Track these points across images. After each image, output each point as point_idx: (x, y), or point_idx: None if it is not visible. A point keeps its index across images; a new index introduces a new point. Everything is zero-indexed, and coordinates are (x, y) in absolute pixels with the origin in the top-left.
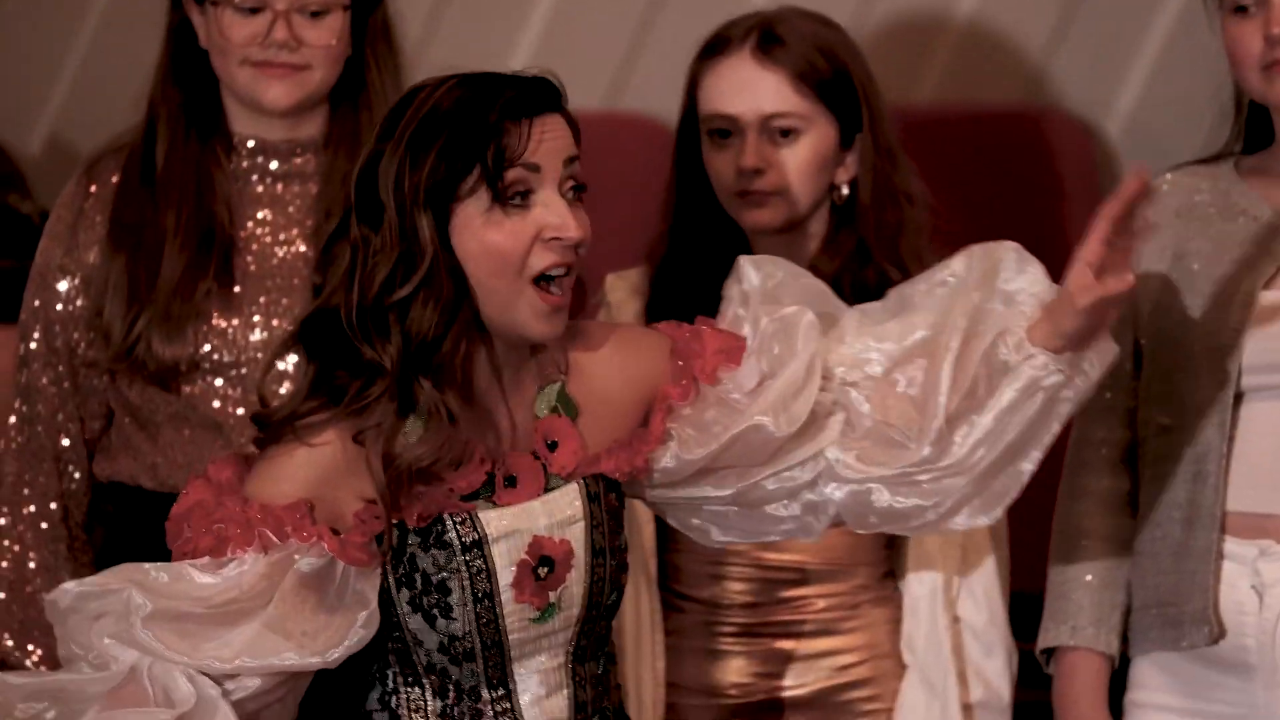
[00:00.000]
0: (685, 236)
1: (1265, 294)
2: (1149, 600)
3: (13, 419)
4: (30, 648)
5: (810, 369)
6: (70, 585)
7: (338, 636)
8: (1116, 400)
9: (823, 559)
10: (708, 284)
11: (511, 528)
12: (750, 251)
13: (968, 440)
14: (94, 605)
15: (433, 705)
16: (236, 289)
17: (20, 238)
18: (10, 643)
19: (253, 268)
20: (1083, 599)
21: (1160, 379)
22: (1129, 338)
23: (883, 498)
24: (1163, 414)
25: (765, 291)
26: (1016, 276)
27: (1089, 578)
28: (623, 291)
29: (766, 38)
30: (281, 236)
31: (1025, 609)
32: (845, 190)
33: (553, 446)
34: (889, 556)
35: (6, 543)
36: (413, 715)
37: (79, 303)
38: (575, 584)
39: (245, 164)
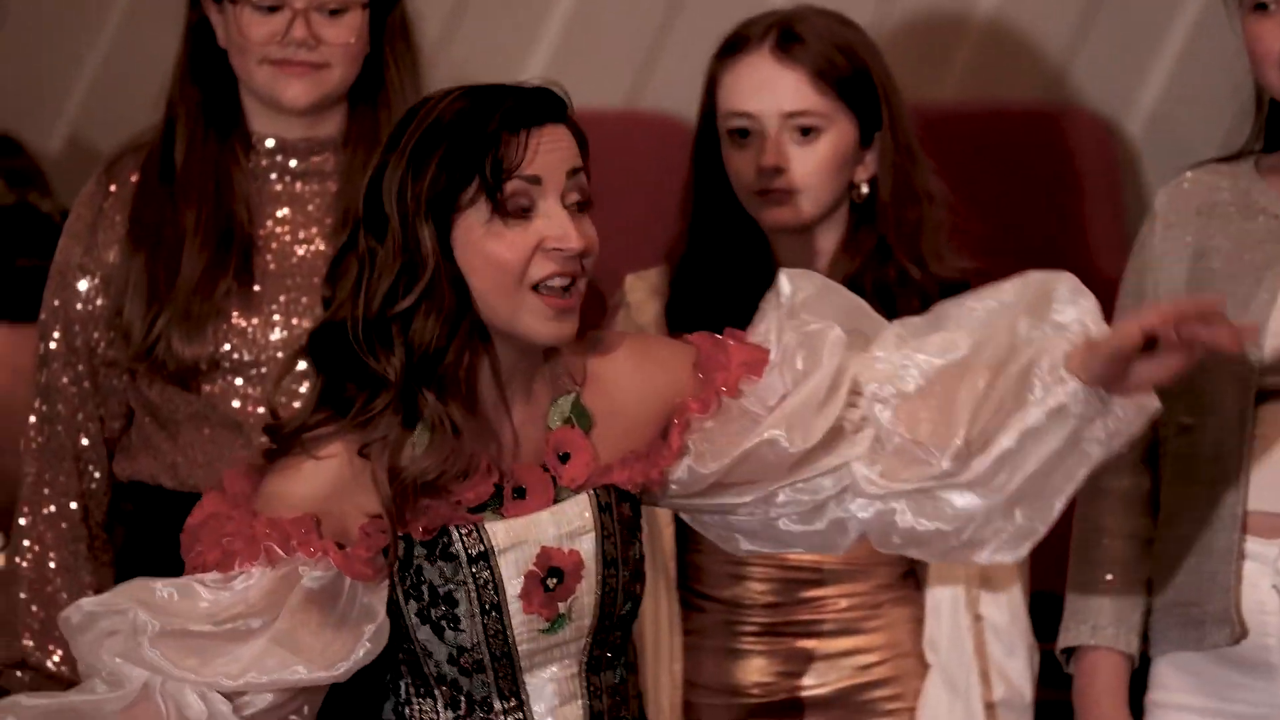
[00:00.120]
0: (705, 236)
1: None
2: (1170, 600)
3: (32, 418)
4: (51, 648)
5: (835, 384)
6: (81, 603)
7: (345, 650)
8: None
9: (844, 559)
10: (728, 283)
11: (518, 539)
12: (769, 250)
13: (988, 458)
14: (103, 624)
15: (445, 716)
16: (256, 288)
17: (41, 236)
18: (30, 643)
19: (272, 266)
20: (1103, 598)
21: (1181, 378)
22: None
23: (905, 519)
24: (1183, 413)
25: (799, 305)
26: (1068, 307)
27: (1109, 577)
28: (642, 292)
29: (786, 36)
30: (301, 235)
31: (1046, 608)
32: (865, 189)
33: (564, 458)
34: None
35: (26, 542)
36: None
37: (99, 302)
38: (586, 594)
39: (264, 163)
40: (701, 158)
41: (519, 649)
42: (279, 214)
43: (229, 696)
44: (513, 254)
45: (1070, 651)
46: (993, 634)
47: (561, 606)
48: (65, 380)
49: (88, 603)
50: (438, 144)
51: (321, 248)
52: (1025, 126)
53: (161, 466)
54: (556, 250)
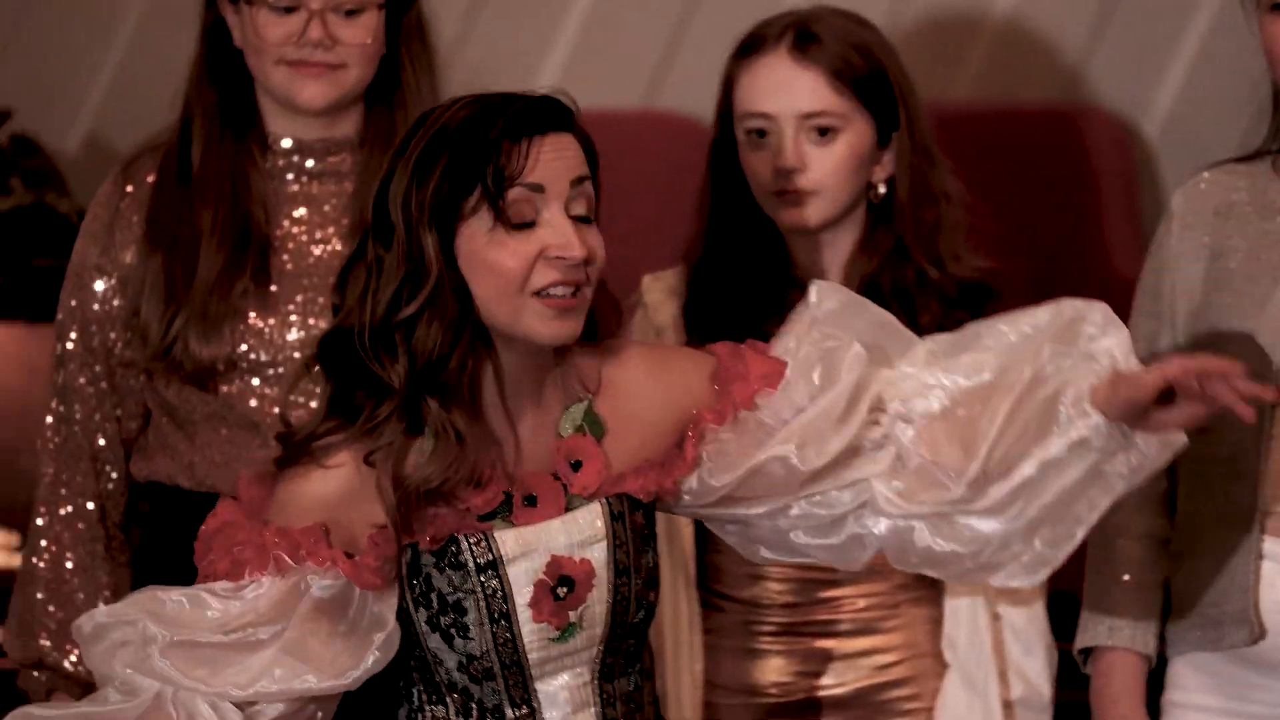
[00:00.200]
0: (722, 236)
1: None
2: (1187, 600)
3: (49, 419)
4: (67, 648)
5: (852, 401)
6: (93, 613)
7: (355, 659)
8: None
9: None
10: (745, 284)
11: (528, 548)
12: (786, 251)
13: (1005, 486)
14: (114, 635)
15: None
16: (273, 288)
17: (58, 236)
18: (48, 643)
19: (289, 267)
20: (1120, 599)
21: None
22: (1166, 337)
23: (923, 538)
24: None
25: (822, 318)
26: (1100, 337)
27: (1126, 578)
28: (659, 293)
29: (802, 36)
30: (318, 235)
31: (1064, 608)
32: (882, 189)
33: (576, 466)
34: None
35: (44, 543)
36: None
37: (115, 303)
38: (597, 603)
39: (281, 163)
40: (719, 158)
41: (529, 657)
42: (295, 214)
43: (240, 705)
44: (514, 262)
45: (1088, 652)
46: (1011, 633)
47: (572, 615)
48: (82, 381)
49: (99, 613)
50: (441, 152)
51: (338, 248)
52: (1042, 126)
53: (179, 467)
54: (559, 259)
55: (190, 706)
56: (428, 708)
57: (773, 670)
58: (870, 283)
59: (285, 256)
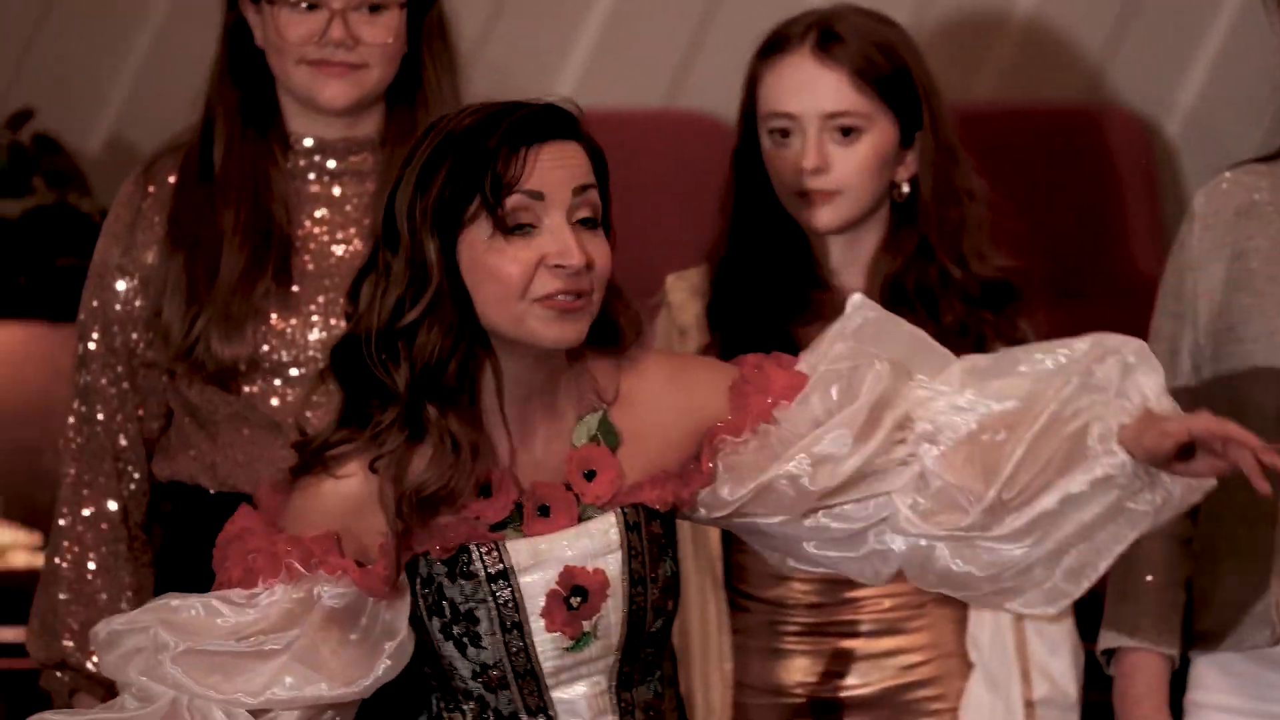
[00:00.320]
0: (745, 236)
1: None
2: (1210, 601)
3: (71, 419)
4: (90, 649)
5: (871, 419)
6: (108, 620)
7: (366, 667)
8: (1176, 400)
9: None
10: (769, 284)
11: (540, 558)
12: (809, 251)
13: (1023, 516)
14: (127, 642)
15: None
16: (295, 288)
17: (80, 236)
18: (71, 644)
19: (310, 267)
20: (1143, 600)
21: (1219, 378)
22: (1187, 338)
23: (943, 558)
24: (1223, 413)
25: (854, 334)
26: (1134, 374)
27: (1149, 578)
28: (683, 292)
29: (826, 36)
30: (339, 236)
31: (1089, 609)
32: (906, 188)
33: (590, 476)
34: None
35: (66, 543)
36: None
37: (137, 303)
38: (612, 613)
39: (302, 163)
40: (742, 158)
41: (543, 666)
42: (317, 214)
43: (254, 714)
44: (514, 268)
45: (1111, 653)
46: (1035, 632)
47: (586, 625)
48: (104, 381)
49: (114, 620)
50: (444, 159)
51: (360, 248)
52: (1063, 126)
53: (200, 467)
54: (559, 267)
55: (205, 714)
56: (446, 715)
57: (798, 670)
58: (894, 282)
59: (307, 257)
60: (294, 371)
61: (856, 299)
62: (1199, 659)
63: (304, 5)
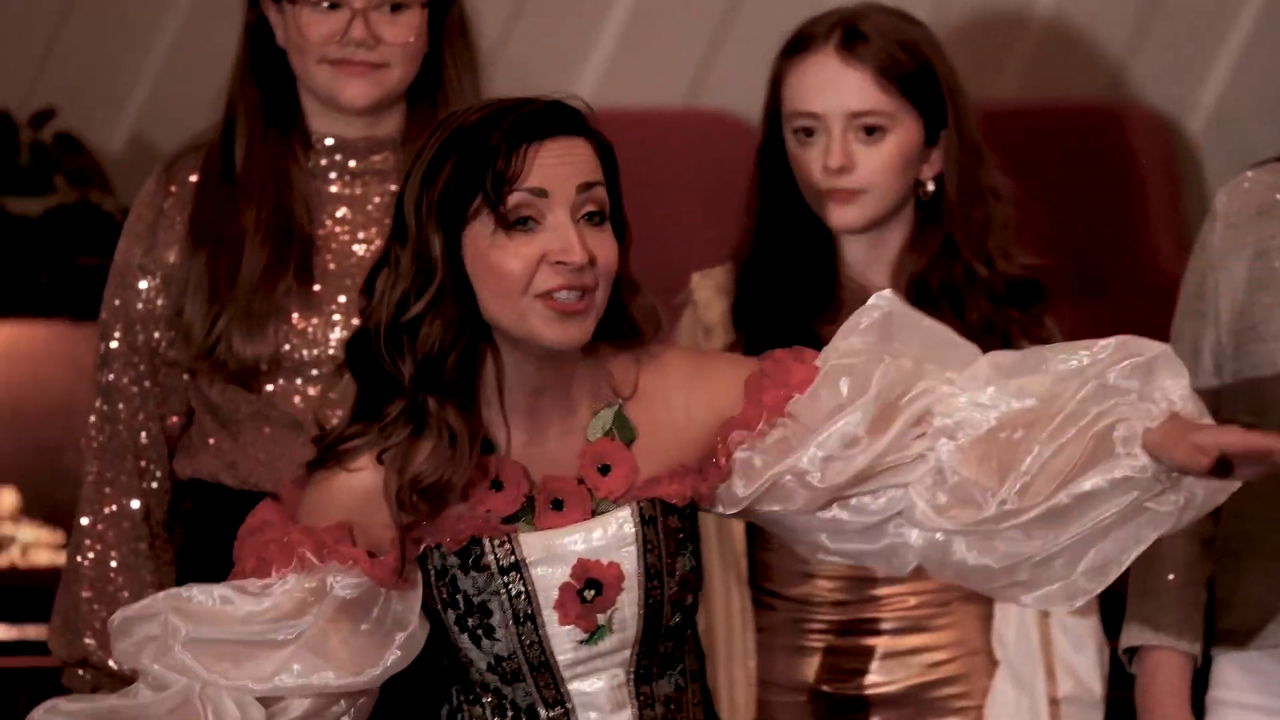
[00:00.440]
0: (770, 235)
1: None
2: (1232, 599)
3: (92, 418)
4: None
5: (883, 414)
6: (123, 609)
7: (375, 658)
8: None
9: None
10: (794, 282)
11: (552, 551)
12: (834, 249)
13: (1038, 511)
14: (139, 630)
15: None
16: (316, 287)
17: (102, 235)
18: (92, 642)
19: (332, 266)
20: (1165, 598)
21: (1241, 377)
22: (1210, 337)
23: (959, 551)
24: (1245, 412)
25: (871, 329)
26: (1158, 378)
27: (1171, 577)
28: (708, 291)
29: (850, 35)
30: (360, 235)
31: (1112, 607)
32: (931, 187)
33: (604, 470)
34: None
35: (88, 542)
36: None
37: (159, 302)
38: (627, 606)
39: (323, 162)
40: (767, 156)
41: (557, 659)
42: (338, 214)
43: (266, 703)
44: (516, 264)
45: (1133, 651)
46: (1060, 630)
47: (600, 618)
48: (126, 380)
49: (127, 609)
50: (449, 155)
51: (381, 247)
52: (1085, 125)
53: (222, 465)
54: (560, 263)
55: (217, 703)
56: (466, 708)
57: (823, 668)
58: (919, 281)
59: (328, 256)
60: (315, 371)
61: (886, 294)
62: (1220, 657)
63: (325, 4)
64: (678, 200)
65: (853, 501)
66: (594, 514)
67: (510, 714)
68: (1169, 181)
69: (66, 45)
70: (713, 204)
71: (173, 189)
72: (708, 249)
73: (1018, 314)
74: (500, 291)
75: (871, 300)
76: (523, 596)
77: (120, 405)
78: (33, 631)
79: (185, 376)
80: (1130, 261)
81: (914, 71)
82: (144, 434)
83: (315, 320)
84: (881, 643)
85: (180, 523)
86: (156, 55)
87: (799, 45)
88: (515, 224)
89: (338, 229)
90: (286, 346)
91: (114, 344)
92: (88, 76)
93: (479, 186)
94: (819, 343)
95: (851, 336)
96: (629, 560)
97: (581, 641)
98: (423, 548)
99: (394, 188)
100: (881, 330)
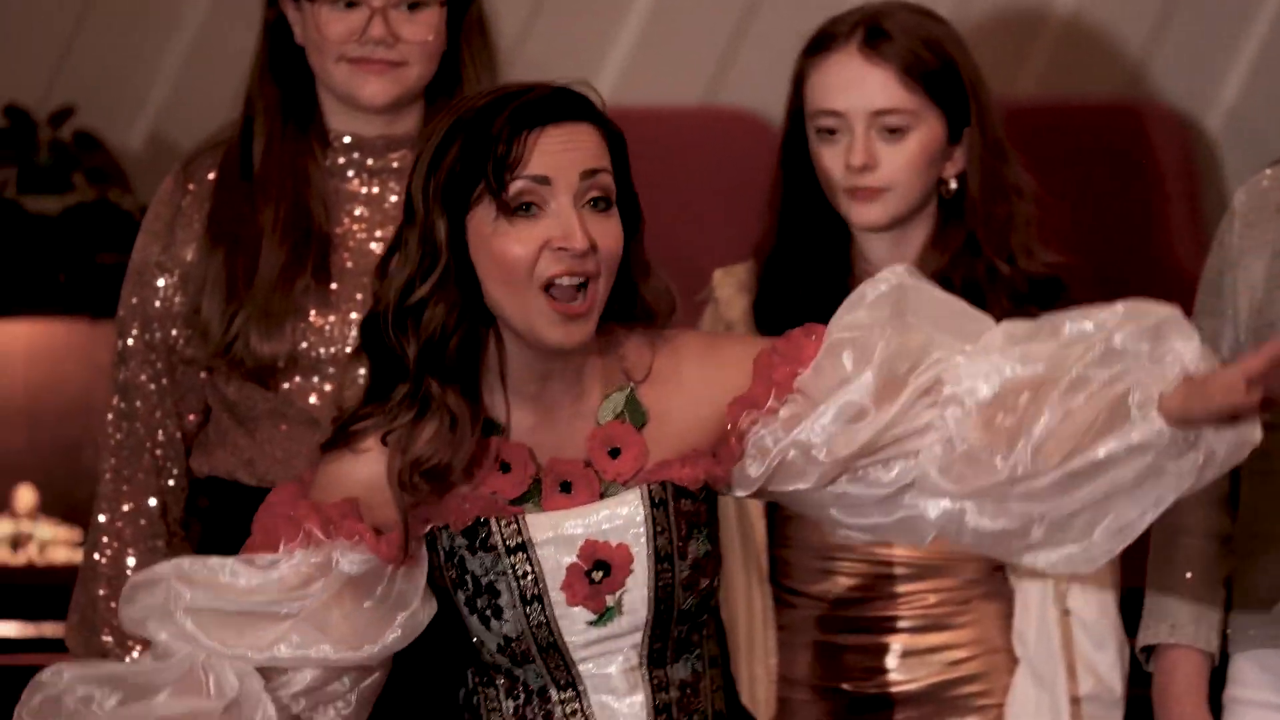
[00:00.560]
0: (793, 232)
1: None
2: (1250, 597)
3: (110, 415)
4: (130, 644)
5: (887, 386)
6: (131, 579)
7: (376, 634)
8: None
9: (932, 554)
10: (816, 280)
11: (559, 532)
12: (856, 247)
13: (1053, 475)
14: (143, 596)
15: (506, 705)
16: (334, 286)
17: (121, 233)
18: (110, 639)
19: (349, 264)
20: (1183, 596)
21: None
22: (1228, 335)
23: (974, 518)
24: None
25: (877, 301)
26: (1169, 339)
27: (1189, 575)
28: (730, 287)
29: (873, 33)
30: (378, 234)
31: (1130, 605)
32: (953, 184)
33: (615, 453)
34: None
35: (105, 539)
36: (490, 715)
37: (177, 300)
38: (636, 588)
39: (341, 160)
40: (790, 154)
41: (567, 640)
42: (356, 212)
43: (268, 675)
44: (518, 251)
45: (1150, 650)
46: (1080, 628)
47: (609, 599)
48: (143, 377)
49: (134, 577)
50: (454, 140)
51: None
52: (1104, 122)
53: (239, 462)
54: (562, 249)
55: (219, 673)
56: (480, 689)
57: (844, 666)
58: (941, 278)
59: (346, 254)
60: (332, 369)
61: (897, 269)
62: (1238, 655)
63: (344, 3)
64: (696, 198)
65: (864, 474)
66: (602, 496)
67: (523, 697)
68: (1187, 179)
69: (85, 43)
70: (731, 202)
71: (191, 187)
72: (727, 247)
73: (1040, 312)
74: (503, 277)
75: (880, 274)
76: (530, 577)
77: (138, 403)
78: (50, 629)
79: (202, 374)
80: (1148, 259)
81: (937, 69)
82: (161, 431)
83: (333, 318)
84: (902, 641)
85: (197, 520)
86: (175, 53)
87: (822, 43)
88: (517, 210)
89: (355, 227)
90: (304, 344)
91: (131, 342)
92: (106, 75)
93: (481, 173)
94: None
95: (858, 310)
96: (638, 542)
97: (591, 623)
98: (429, 528)
99: None
100: (894, 304)
